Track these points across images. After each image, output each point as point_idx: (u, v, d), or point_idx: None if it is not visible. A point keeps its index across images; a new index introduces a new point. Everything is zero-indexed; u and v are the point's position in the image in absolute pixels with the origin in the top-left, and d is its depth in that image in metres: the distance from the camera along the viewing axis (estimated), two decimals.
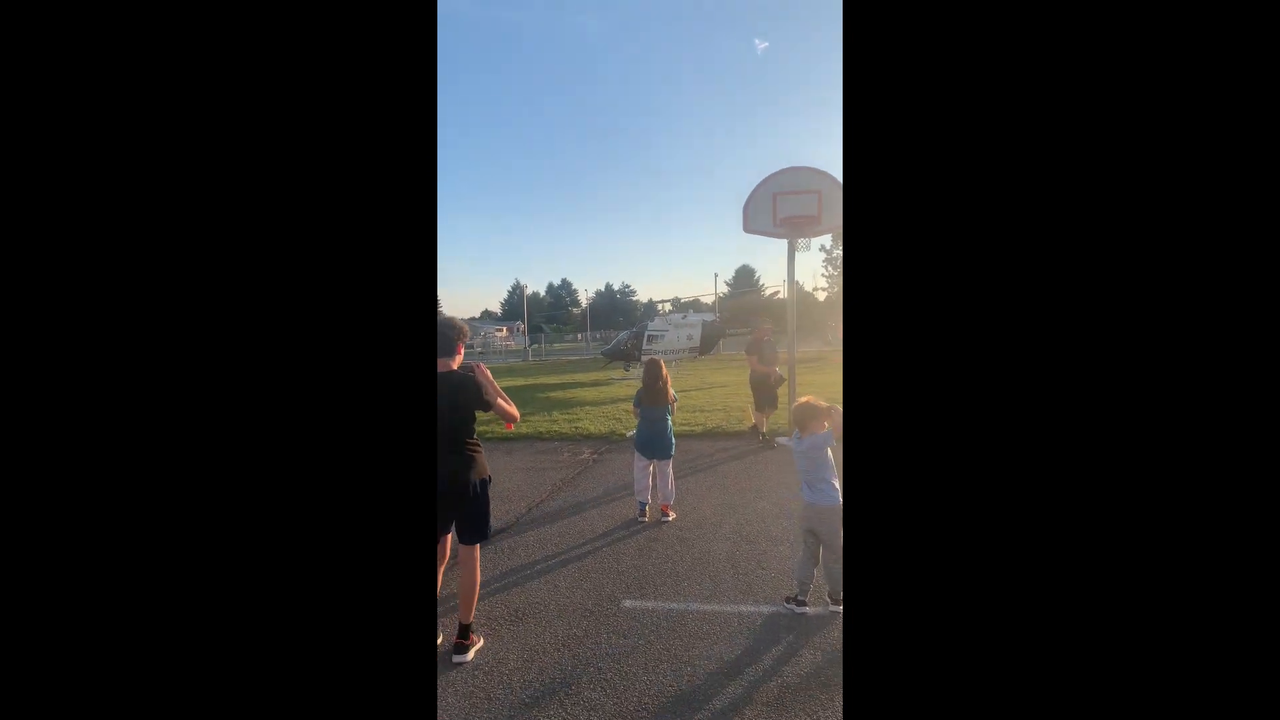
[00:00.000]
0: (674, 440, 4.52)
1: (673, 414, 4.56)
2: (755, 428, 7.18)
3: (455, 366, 2.76)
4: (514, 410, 2.85)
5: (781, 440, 6.89)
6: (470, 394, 2.68)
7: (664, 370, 4.51)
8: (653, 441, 4.42)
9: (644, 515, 4.43)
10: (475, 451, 2.74)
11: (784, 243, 7.18)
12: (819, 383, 11.01)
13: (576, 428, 8.31)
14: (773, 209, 6.78)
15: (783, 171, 6.89)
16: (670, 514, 4.42)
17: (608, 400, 11.28)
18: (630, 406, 4.73)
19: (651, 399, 4.42)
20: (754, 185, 7.01)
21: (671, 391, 4.48)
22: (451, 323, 2.76)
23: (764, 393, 7.12)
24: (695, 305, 30.17)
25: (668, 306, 23.81)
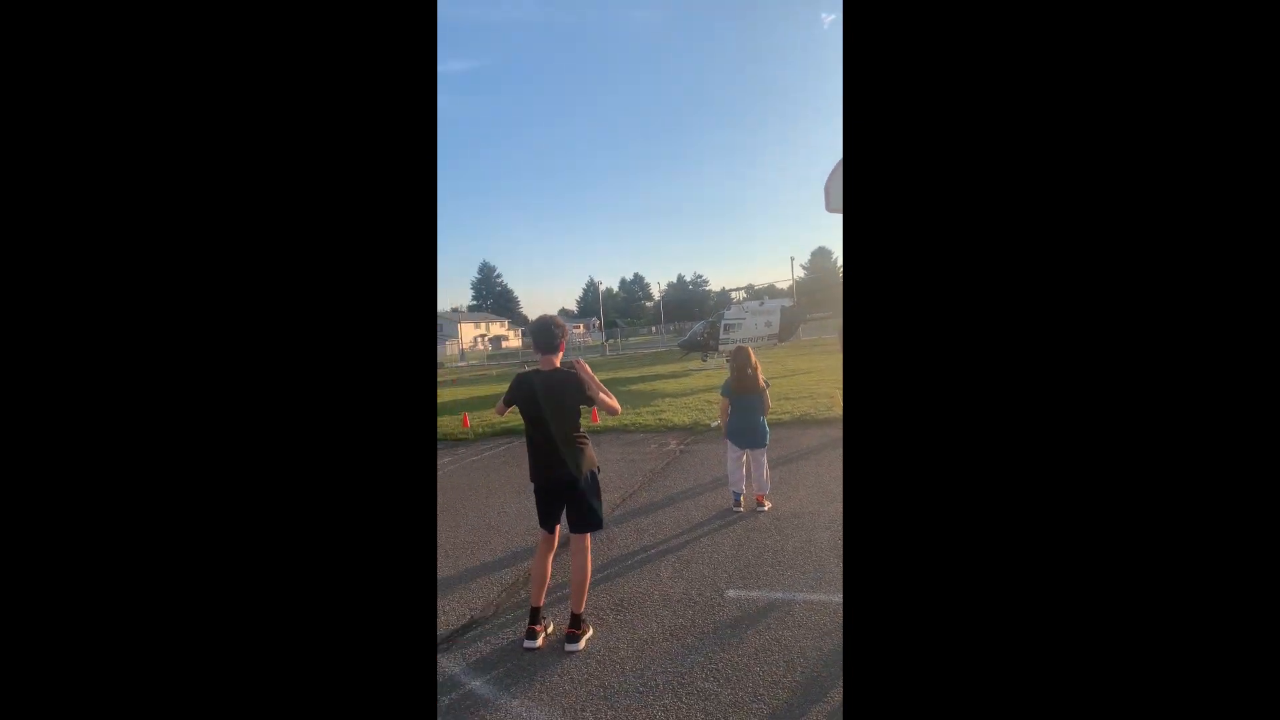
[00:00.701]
0: (768, 429, 4.43)
1: (767, 403, 4.44)
2: None
3: (558, 364, 2.83)
4: (615, 403, 2.88)
5: None
6: (575, 389, 2.75)
7: (753, 357, 4.42)
8: (746, 430, 4.35)
9: (739, 505, 4.37)
10: (584, 443, 2.81)
11: None
12: None
13: (661, 419, 8.33)
14: None
15: None
16: (766, 504, 4.35)
17: (688, 391, 11.24)
18: (717, 396, 4.63)
19: (743, 387, 4.34)
20: (831, 163, 6.75)
21: (763, 378, 4.39)
22: (553, 322, 2.83)
23: None
24: (770, 291, 29.54)
25: (741, 294, 23.45)
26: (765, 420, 4.41)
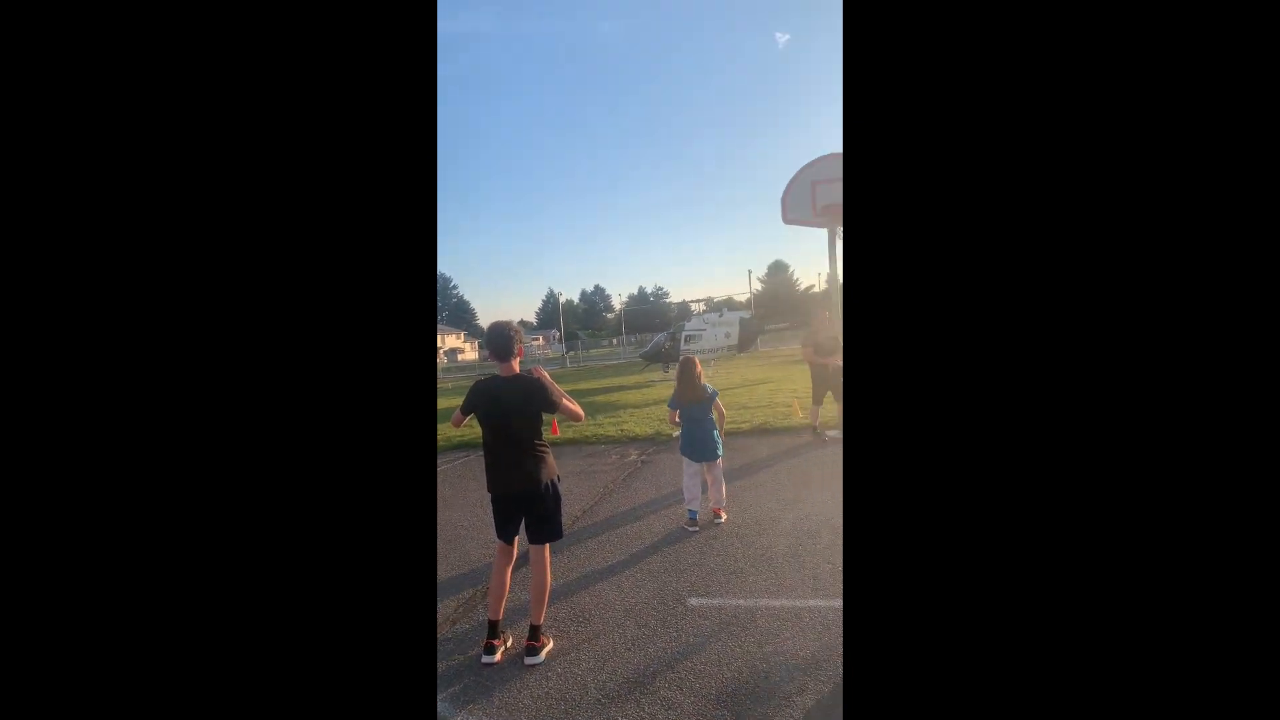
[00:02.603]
0: (719, 440, 4.35)
1: (720, 415, 4.38)
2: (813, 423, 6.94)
3: (517, 369, 2.78)
4: (579, 410, 2.85)
5: (831, 434, 6.74)
6: (538, 396, 2.70)
7: (698, 366, 4.37)
8: (696, 442, 4.30)
9: (694, 524, 4.26)
10: (545, 452, 2.76)
11: (818, 234, 7.05)
12: None
13: (622, 430, 8.30)
14: (812, 198, 6.67)
15: (821, 159, 6.78)
16: (723, 515, 4.32)
17: (650, 402, 11.26)
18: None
19: (689, 397, 4.28)
20: (785, 178, 6.91)
21: (710, 387, 4.33)
22: (508, 326, 2.75)
23: (819, 385, 6.85)
24: (729, 304, 29.94)
25: (701, 306, 23.71)
26: (717, 433, 4.33)
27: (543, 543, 2.78)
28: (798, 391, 9.98)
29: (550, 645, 2.75)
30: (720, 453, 4.34)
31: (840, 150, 6.64)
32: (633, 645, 2.72)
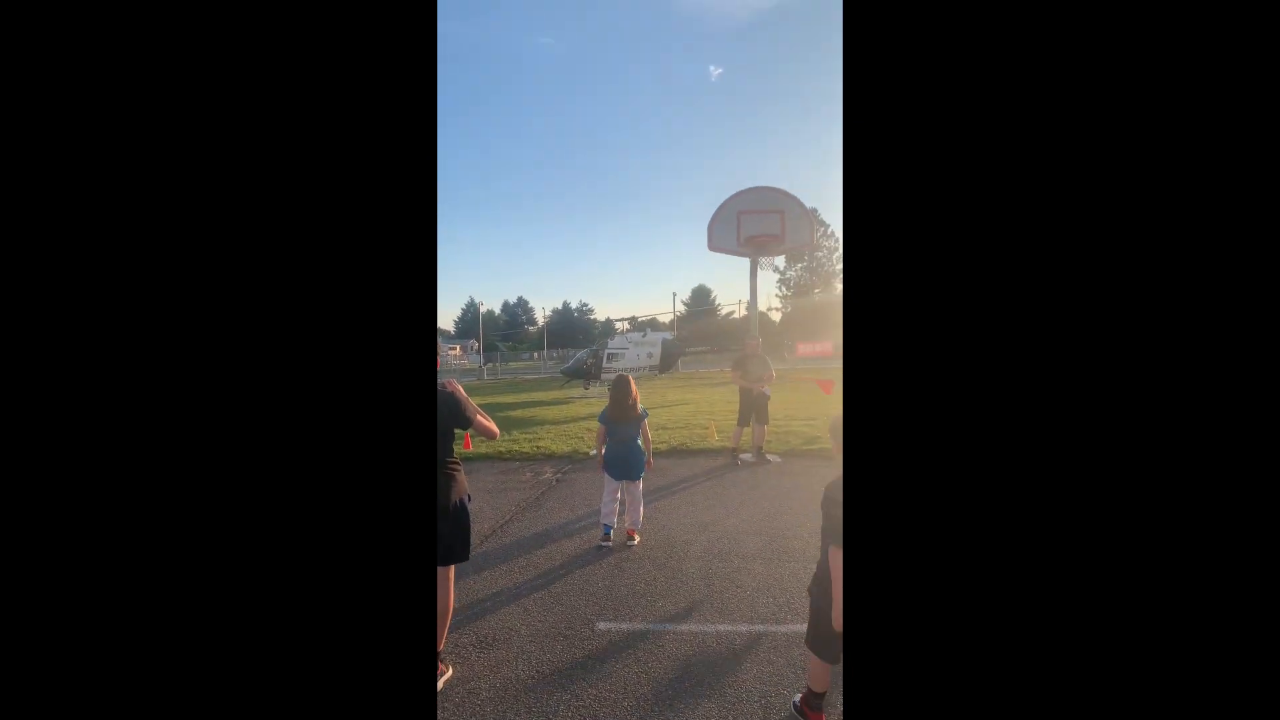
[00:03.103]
0: (644, 460, 4.36)
1: (647, 434, 4.38)
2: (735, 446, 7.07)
3: None
4: (494, 426, 2.75)
5: (745, 457, 6.90)
6: (451, 411, 2.58)
7: (634, 387, 4.40)
8: (621, 460, 4.29)
9: (608, 540, 4.26)
10: (456, 469, 2.63)
11: (740, 263, 7.28)
12: (780, 399, 11.14)
13: (538, 447, 8.15)
14: (737, 227, 6.88)
15: (747, 191, 7.01)
16: (636, 538, 4.30)
17: (568, 419, 11.13)
18: (597, 424, 4.54)
19: (620, 415, 4.29)
20: (712, 206, 7.11)
21: (641, 407, 4.36)
22: None
23: (744, 408, 7.00)
24: (653, 324, 30.33)
25: (625, 325, 23.87)
26: (644, 451, 4.35)
27: (447, 564, 2.64)
28: (714, 414, 10.19)
29: (449, 673, 2.61)
30: (643, 473, 4.34)
31: (766, 185, 6.95)
32: (537, 673, 2.62)
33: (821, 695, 2.23)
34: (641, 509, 4.39)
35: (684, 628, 2.99)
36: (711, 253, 7.28)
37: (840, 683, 2.35)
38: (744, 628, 2.96)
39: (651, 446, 4.48)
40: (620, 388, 4.33)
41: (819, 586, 2.15)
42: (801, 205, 6.96)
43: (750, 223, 6.79)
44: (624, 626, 3.03)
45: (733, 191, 7.13)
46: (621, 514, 4.42)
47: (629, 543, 4.26)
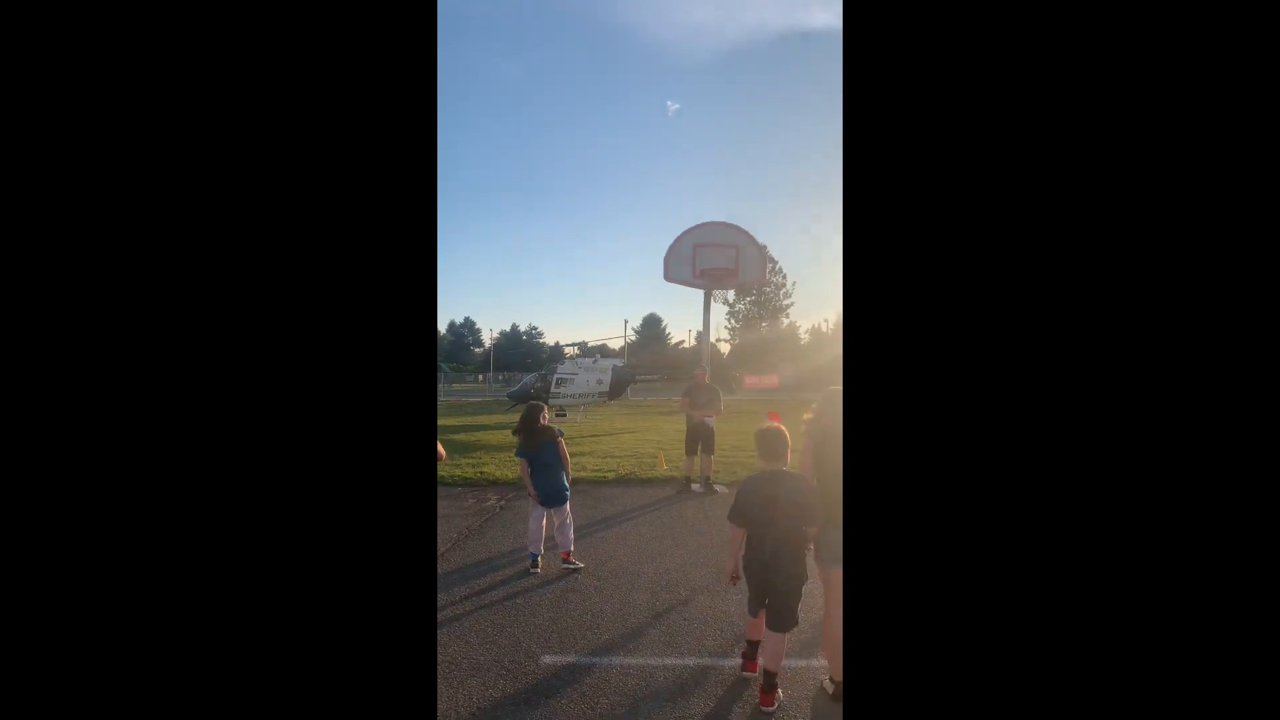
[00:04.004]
0: (568, 484, 4.29)
1: (564, 457, 4.29)
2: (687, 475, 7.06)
3: None
4: (439, 449, 2.66)
5: (695, 488, 6.91)
6: None
7: (545, 413, 4.32)
8: (547, 489, 4.19)
9: (536, 568, 4.16)
10: None
11: (690, 294, 7.38)
12: (728, 430, 11.26)
13: (481, 473, 7.93)
14: (692, 260, 7.00)
15: (703, 225, 7.17)
16: (574, 561, 4.23)
17: (514, 444, 10.89)
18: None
19: (534, 446, 4.19)
20: (664, 235, 7.23)
21: (554, 429, 4.28)
22: None
23: (691, 437, 7.02)
24: (603, 350, 30.35)
25: (574, 350, 23.76)
26: (565, 475, 4.27)
27: None
28: (663, 443, 10.19)
29: None
30: (568, 497, 4.28)
31: (718, 220, 7.12)
32: (479, 709, 2.51)
33: (756, 644, 2.79)
34: (571, 532, 4.32)
35: (630, 661, 2.93)
36: (663, 283, 7.39)
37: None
38: (691, 661, 2.92)
39: (569, 464, 4.41)
40: (529, 416, 4.27)
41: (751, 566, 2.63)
42: (755, 242, 7.16)
43: (706, 256, 6.94)
44: (569, 659, 2.94)
45: (685, 223, 7.33)
46: (553, 542, 4.33)
47: (565, 566, 4.19)
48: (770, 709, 2.48)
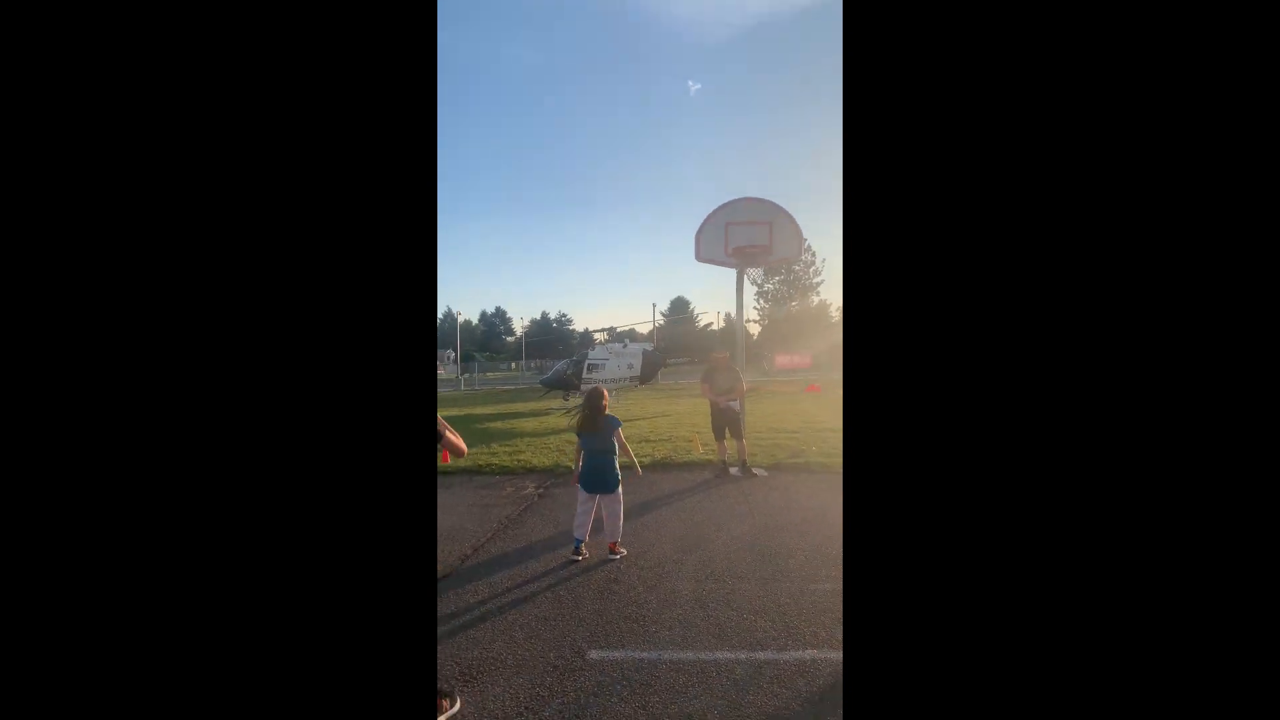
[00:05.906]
0: (620, 474, 4.22)
1: (623, 446, 4.25)
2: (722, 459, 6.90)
3: None
4: (462, 444, 2.58)
5: (734, 471, 6.76)
6: None
7: (606, 397, 4.26)
8: (594, 474, 4.15)
9: (579, 555, 4.11)
10: None
11: (719, 274, 7.27)
12: (760, 410, 11.08)
13: (518, 460, 7.92)
14: (725, 238, 6.78)
15: (735, 202, 6.94)
16: (620, 551, 4.16)
17: (549, 431, 10.91)
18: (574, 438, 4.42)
19: (593, 427, 4.16)
20: (690, 216, 7.05)
21: (609, 415, 4.21)
22: None
23: (716, 421, 6.86)
24: (631, 335, 30.25)
25: (603, 335, 23.72)
26: (618, 463, 4.20)
27: None
28: (698, 426, 10.05)
29: (456, 708, 2.41)
30: (618, 487, 4.19)
31: (751, 195, 6.89)
32: (526, 708, 2.43)
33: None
34: (620, 522, 4.23)
35: (681, 656, 2.82)
36: (691, 264, 7.23)
37: None
38: (744, 655, 2.80)
39: (632, 455, 4.36)
40: (591, 399, 4.22)
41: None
42: (790, 217, 6.89)
43: (738, 233, 6.70)
44: (617, 655, 2.85)
45: (711, 202, 7.06)
46: (603, 528, 4.26)
47: (611, 557, 4.11)
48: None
